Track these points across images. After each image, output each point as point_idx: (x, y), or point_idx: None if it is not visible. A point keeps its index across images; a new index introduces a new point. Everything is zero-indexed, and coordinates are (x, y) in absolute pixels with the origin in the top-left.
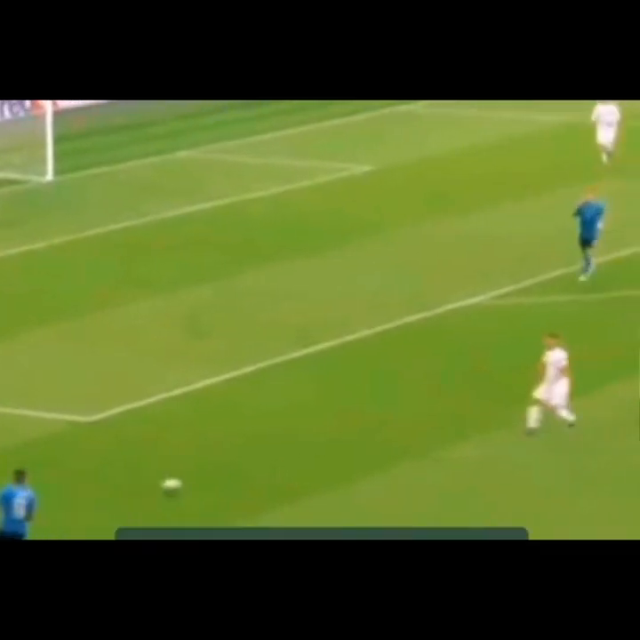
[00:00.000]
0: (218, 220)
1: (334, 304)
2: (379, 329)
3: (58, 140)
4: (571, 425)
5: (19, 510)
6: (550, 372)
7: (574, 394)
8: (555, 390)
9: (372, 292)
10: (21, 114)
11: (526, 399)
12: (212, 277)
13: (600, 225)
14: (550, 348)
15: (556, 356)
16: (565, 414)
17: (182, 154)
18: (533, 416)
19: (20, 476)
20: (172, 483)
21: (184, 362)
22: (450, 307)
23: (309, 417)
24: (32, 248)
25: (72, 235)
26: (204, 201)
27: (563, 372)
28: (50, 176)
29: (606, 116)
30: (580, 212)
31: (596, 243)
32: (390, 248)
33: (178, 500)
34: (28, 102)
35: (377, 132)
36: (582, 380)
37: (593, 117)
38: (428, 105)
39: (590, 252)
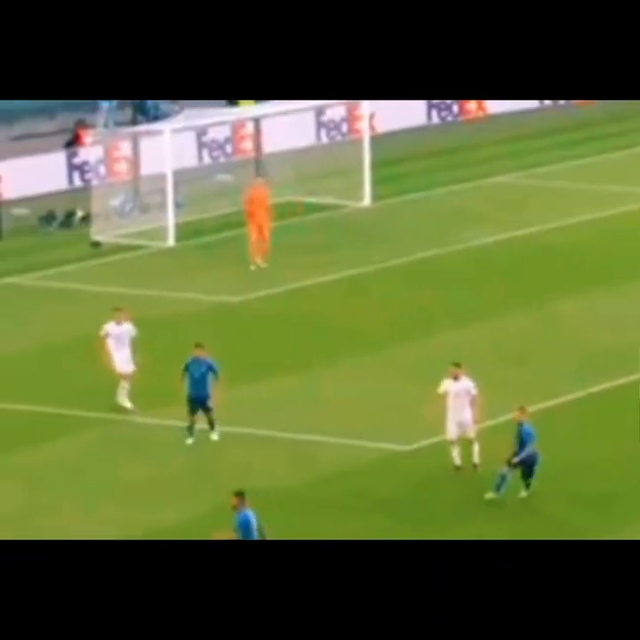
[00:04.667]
0: (531, 247)
1: None
2: None
3: (376, 164)
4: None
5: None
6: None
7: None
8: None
9: None
10: (449, 119)
11: None
12: (525, 305)
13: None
14: None
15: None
16: None
17: (500, 179)
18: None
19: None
20: None
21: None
22: None
23: None
24: (349, 274)
25: (387, 262)
26: (518, 228)
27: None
28: (367, 201)
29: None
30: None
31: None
32: None
33: None
34: (455, 109)
35: None
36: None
37: None
38: None
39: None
